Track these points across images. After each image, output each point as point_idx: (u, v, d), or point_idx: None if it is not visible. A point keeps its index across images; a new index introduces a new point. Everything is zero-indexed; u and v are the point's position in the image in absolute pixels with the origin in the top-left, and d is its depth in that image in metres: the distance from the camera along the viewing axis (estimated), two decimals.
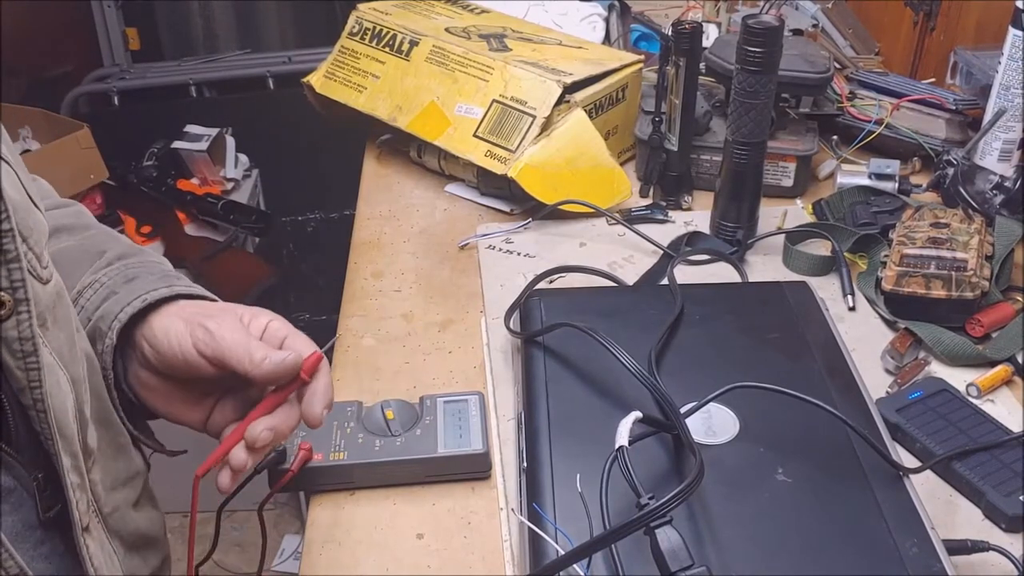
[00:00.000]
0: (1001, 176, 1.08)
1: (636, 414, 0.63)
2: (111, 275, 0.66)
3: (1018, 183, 1.06)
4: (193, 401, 0.66)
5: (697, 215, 1.15)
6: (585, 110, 1.16)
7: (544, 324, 0.82)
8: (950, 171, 1.12)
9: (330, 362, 0.92)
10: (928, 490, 0.75)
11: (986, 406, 0.83)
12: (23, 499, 0.53)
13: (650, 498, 0.57)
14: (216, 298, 0.69)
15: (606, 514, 0.58)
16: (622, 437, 0.61)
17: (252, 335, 0.63)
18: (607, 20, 1.52)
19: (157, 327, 0.63)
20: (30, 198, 0.55)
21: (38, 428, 0.52)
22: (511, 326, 0.88)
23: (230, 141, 1.98)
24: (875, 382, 0.86)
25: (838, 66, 1.35)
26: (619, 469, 0.59)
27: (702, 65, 1.15)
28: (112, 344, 0.63)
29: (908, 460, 0.78)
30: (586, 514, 0.60)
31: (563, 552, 0.59)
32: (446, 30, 1.28)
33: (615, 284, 0.98)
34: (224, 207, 1.83)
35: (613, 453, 0.60)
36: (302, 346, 0.64)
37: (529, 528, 0.63)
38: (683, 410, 0.69)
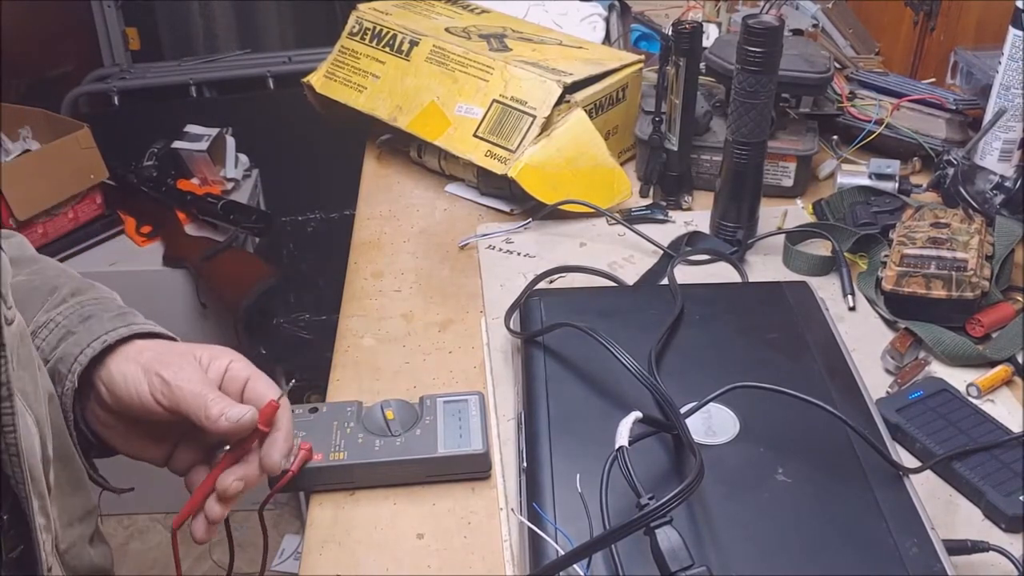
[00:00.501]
0: (1001, 176, 1.08)
1: (636, 414, 0.63)
2: (66, 313, 0.65)
3: (1018, 183, 1.06)
4: (153, 440, 0.66)
5: (697, 215, 1.15)
6: (585, 110, 1.16)
7: (544, 324, 0.82)
8: (950, 171, 1.12)
9: (330, 362, 0.93)
10: (928, 490, 0.75)
11: (986, 406, 0.83)
12: None
13: (650, 498, 0.57)
14: (174, 336, 0.67)
15: (606, 514, 0.58)
16: (622, 437, 0.61)
17: (211, 381, 0.62)
18: (607, 20, 1.52)
19: (115, 371, 0.62)
20: None
21: (9, 472, 0.51)
22: (511, 326, 0.88)
23: (230, 141, 1.98)
24: (875, 382, 0.86)
25: (838, 66, 1.35)
26: (619, 469, 0.59)
27: (702, 65, 1.15)
28: (73, 387, 0.62)
29: (908, 460, 0.77)
30: (586, 514, 0.60)
31: (563, 552, 0.59)
32: (446, 30, 1.28)
33: (615, 284, 0.98)
34: (224, 207, 1.83)
35: (613, 453, 0.60)
36: (263, 389, 0.63)
37: (529, 528, 0.63)
38: (683, 410, 0.69)
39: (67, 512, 0.61)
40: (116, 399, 0.62)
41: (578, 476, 0.63)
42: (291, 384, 0.70)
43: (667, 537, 0.56)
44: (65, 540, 0.61)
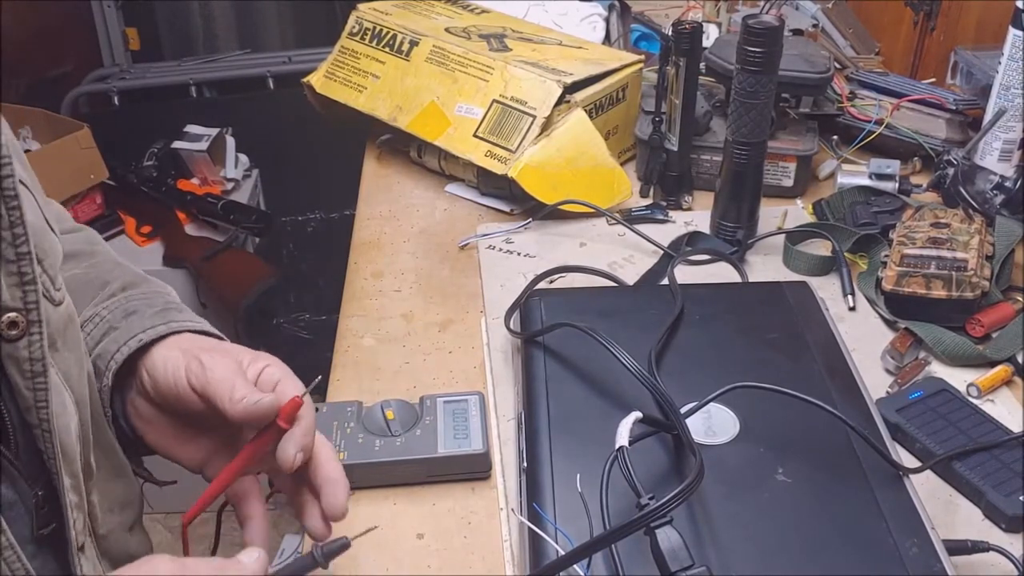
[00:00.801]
0: (1001, 176, 1.08)
1: (636, 414, 0.63)
2: (111, 308, 0.66)
3: (1018, 183, 1.06)
4: (187, 438, 0.66)
5: (697, 215, 1.15)
6: (585, 110, 1.16)
7: (544, 324, 0.82)
8: (950, 171, 1.12)
9: (330, 362, 0.93)
10: (928, 490, 0.75)
11: (986, 406, 0.83)
12: (20, 514, 0.53)
13: (650, 498, 0.57)
14: (223, 336, 0.68)
15: (606, 514, 0.58)
16: (622, 437, 0.61)
17: (245, 375, 0.62)
18: (607, 20, 1.52)
19: (157, 356, 0.63)
20: (46, 221, 0.55)
21: (41, 447, 0.53)
22: (511, 326, 0.88)
23: (230, 141, 1.97)
24: (875, 382, 0.86)
25: (838, 66, 1.35)
26: (619, 469, 0.59)
27: (702, 65, 1.15)
28: (108, 385, 0.63)
29: (908, 460, 0.77)
30: (586, 514, 0.60)
31: (563, 552, 0.59)
32: (446, 30, 1.28)
33: (615, 284, 0.98)
34: (224, 207, 1.83)
35: (613, 453, 0.60)
36: (291, 390, 0.62)
37: (529, 528, 0.63)
38: (683, 410, 0.69)
39: (107, 498, 0.62)
40: (155, 384, 0.63)
41: (578, 476, 0.63)
42: (316, 381, 0.68)
43: (667, 537, 0.56)
44: (104, 525, 0.62)
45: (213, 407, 0.60)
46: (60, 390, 0.53)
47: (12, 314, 0.49)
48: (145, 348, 0.64)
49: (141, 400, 0.65)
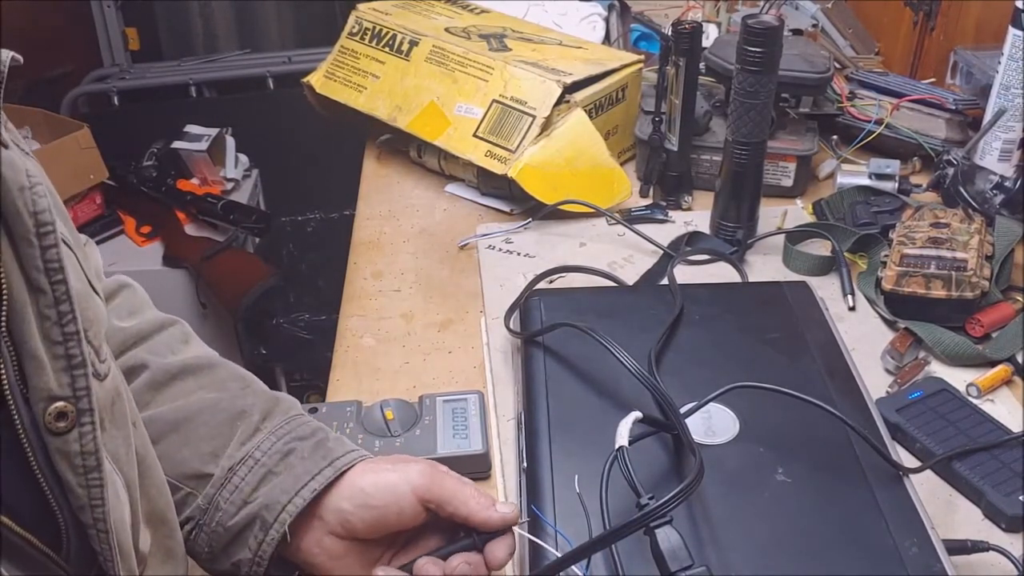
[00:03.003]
0: (1001, 176, 1.08)
1: (636, 414, 0.63)
2: (264, 449, 0.63)
3: (1018, 183, 1.06)
4: (366, 560, 0.63)
5: (697, 215, 1.15)
6: (585, 110, 1.16)
7: (544, 324, 0.82)
8: (950, 171, 1.12)
9: (330, 362, 0.93)
10: (928, 490, 0.75)
11: (986, 406, 0.83)
12: None
13: (650, 498, 0.57)
14: (364, 452, 0.65)
15: (606, 514, 0.58)
16: (622, 437, 0.61)
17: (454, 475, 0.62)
18: (607, 20, 1.52)
19: (367, 485, 0.61)
20: (89, 282, 0.51)
21: (97, 548, 0.48)
22: (511, 326, 0.88)
23: (230, 141, 1.97)
24: (875, 382, 0.86)
25: (838, 66, 1.35)
26: (619, 469, 0.59)
27: (702, 65, 1.14)
28: (277, 538, 0.60)
29: (908, 460, 0.77)
30: (585, 515, 0.60)
31: (557, 554, 0.59)
32: (446, 30, 1.28)
33: (615, 284, 0.98)
34: (224, 207, 1.83)
35: (613, 453, 0.60)
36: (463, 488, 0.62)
37: (529, 528, 0.63)
38: (683, 410, 0.69)
39: None
40: (369, 510, 0.60)
41: (576, 477, 0.63)
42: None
43: (667, 537, 0.56)
44: None
45: (446, 514, 0.60)
46: (113, 479, 0.49)
47: (60, 403, 0.45)
48: (333, 483, 0.61)
49: (329, 538, 0.62)
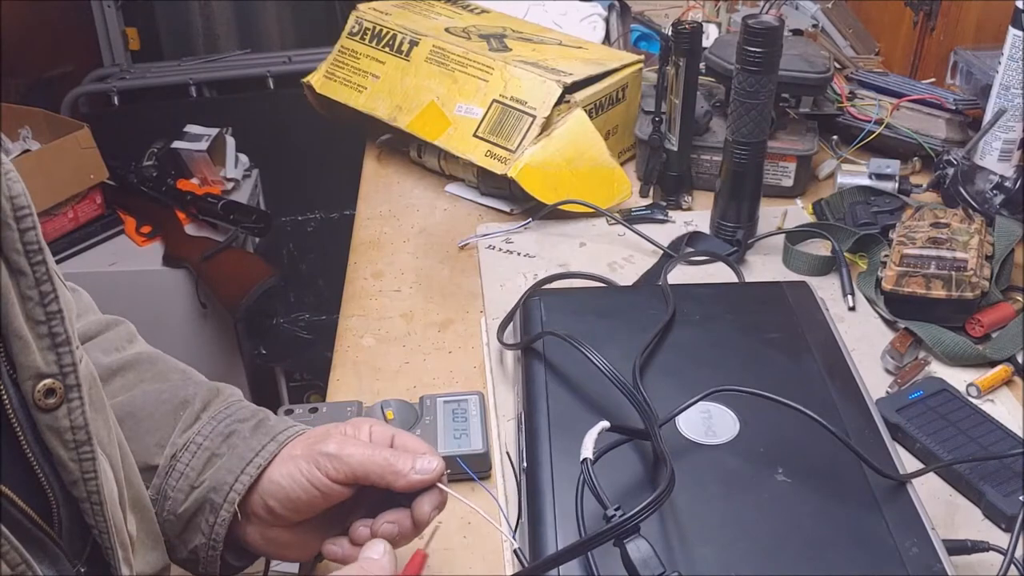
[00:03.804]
0: (1001, 176, 1.08)
1: (603, 424, 0.62)
2: (205, 433, 0.63)
3: (1018, 183, 1.06)
4: (308, 535, 0.63)
5: (697, 215, 1.15)
6: (585, 110, 1.16)
7: (544, 324, 0.83)
8: (950, 171, 1.12)
9: (330, 362, 0.93)
10: (928, 490, 0.75)
11: (986, 406, 0.83)
12: None
13: (616, 509, 0.56)
14: (303, 427, 0.65)
15: (582, 525, 0.58)
16: (587, 449, 0.60)
17: (381, 446, 0.61)
18: (607, 20, 1.52)
19: (277, 476, 0.61)
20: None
21: (91, 521, 0.49)
22: (503, 339, 0.88)
23: (230, 141, 1.97)
24: (875, 382, 0.86)
25: (838, 66, 1.35)
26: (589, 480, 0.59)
27: (702, 65, 1.15)
28: (229, 517, 0.60)
29: (908, 460, 0.78)
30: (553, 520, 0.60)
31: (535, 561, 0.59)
32: (446, 30, 1.28)
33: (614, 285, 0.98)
34: (224, 207, 1.83)
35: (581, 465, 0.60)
36: (413, 443, 0.62)
37: (528, 529, 0.63)
38: (668, 415, 0.69)
39: (149, 565, 0.59)
40: (282, 503, 0.61)
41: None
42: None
43: (637, 548, 0.56)
44: None
45: (365, 486, 0.60)
46: (101, 456, 0.50)
47: (48, 380, 0.46)
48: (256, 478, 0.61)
49: (259, 525, 0.62)
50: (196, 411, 0.65)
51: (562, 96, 1.14)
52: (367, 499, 0.62)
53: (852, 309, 0.97)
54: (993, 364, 0.89)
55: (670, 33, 1.08)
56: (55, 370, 0.47)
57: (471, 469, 0.77)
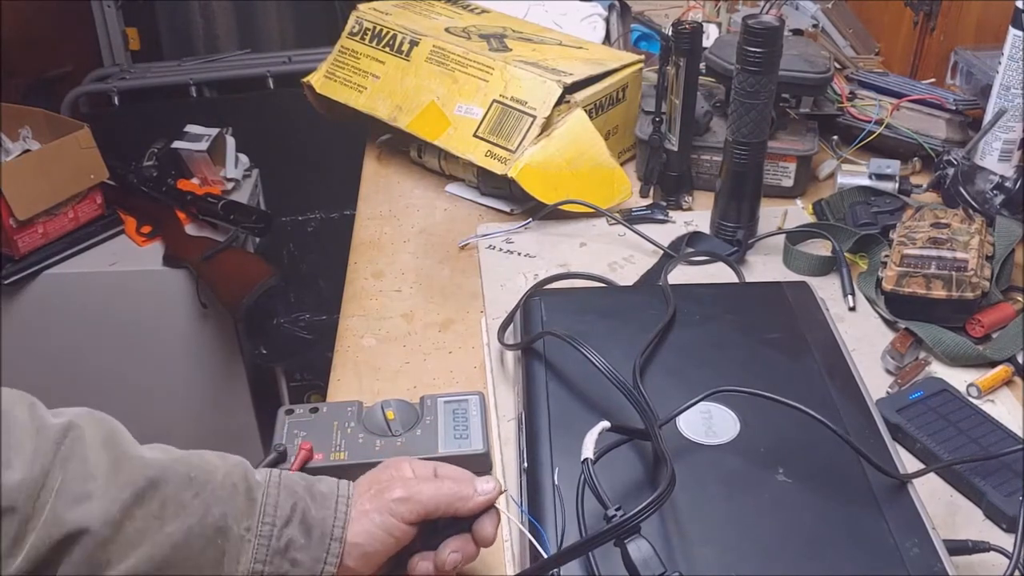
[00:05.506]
0: (1001, 176, 1.08)
1: (604, 424, 0.63)
2: (261, 559, 0.58)
3: (1018, 183, 1.06)
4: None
5: (697, 215, 1.15)
6: (585, 110, 1.16)
7: (544, 325, 0.83)
8: (950, 171, 1.12)
9: (330, 362, 0.93)
10: (929, 490, 0.75)
11: (986, 406, 0.83)
12: None
13: (617, 510, 0.56)
14: (331, 486, 0.63)
15: (582, 525, 0.59)
16: (587, 449, 0.61)
17: (440, 476, 0.63)
18: (607, 20, 1.52)
19: (353, 538, 0.61)
20: None
21: None
22: (504, 340, 0.88)
23: (230, 141, 1.97)
24: (875, 382, 0.86)
25: (838, 66, 1.35)
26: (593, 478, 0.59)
27: (702, 65, 1.15)
28: None
29: (909, 460, 0.77)
30: (554, 519, 0.61)
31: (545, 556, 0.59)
32: (446, 30, 1.28)
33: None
34: (224, 207, 1.83)
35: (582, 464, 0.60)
36: (455, 472, 0.65)
37: (528, 529, 0.63)
38: (667, 416, 0.69)
39: None
40: (357, 560, 0.61)
41: (556, 470, 0.64)
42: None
43: (638, 548, 0.56)
44: None
45: (435, 520, 0.62)
46: None
47: None
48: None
49: None
50: (238, 534, 0.59)
51: (562, 96, 1.14)
52: (421, 532, 0.64)
53: (852, 309, 0.97)
54: (993, 364, 0.89)
55: (670, 33, 1.08)
56: None
57: (471, 469, 0.77)
